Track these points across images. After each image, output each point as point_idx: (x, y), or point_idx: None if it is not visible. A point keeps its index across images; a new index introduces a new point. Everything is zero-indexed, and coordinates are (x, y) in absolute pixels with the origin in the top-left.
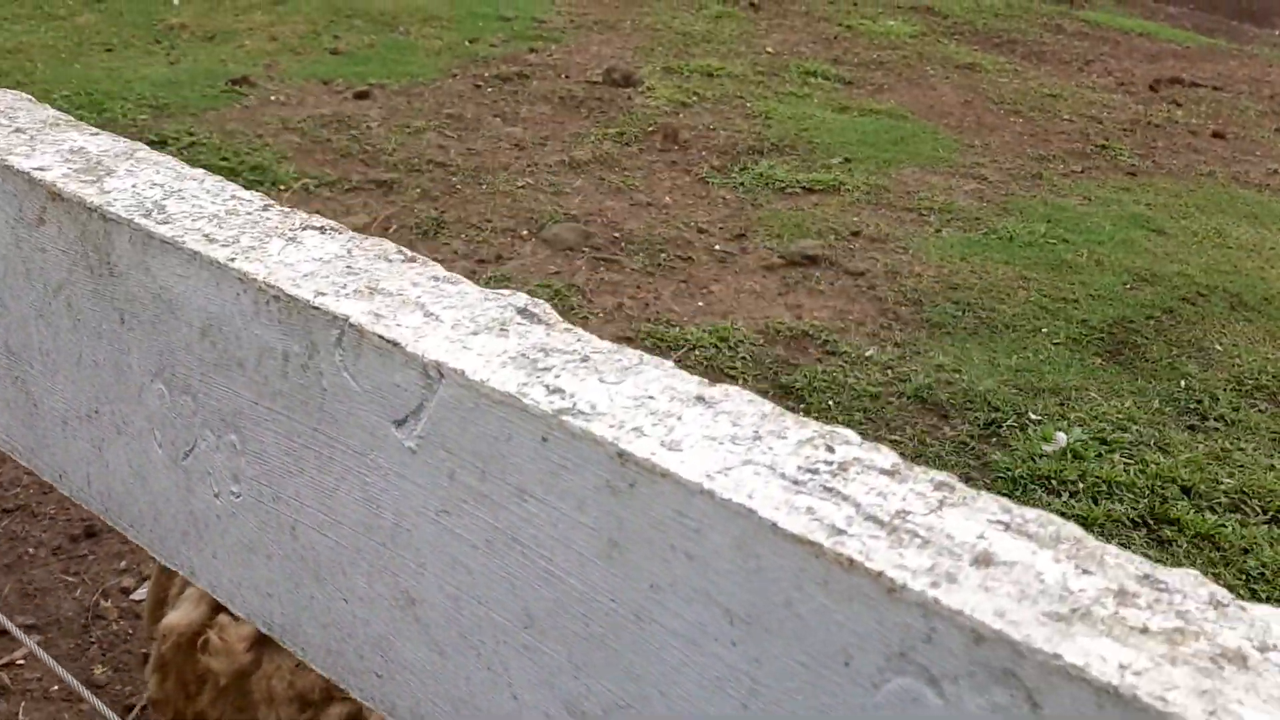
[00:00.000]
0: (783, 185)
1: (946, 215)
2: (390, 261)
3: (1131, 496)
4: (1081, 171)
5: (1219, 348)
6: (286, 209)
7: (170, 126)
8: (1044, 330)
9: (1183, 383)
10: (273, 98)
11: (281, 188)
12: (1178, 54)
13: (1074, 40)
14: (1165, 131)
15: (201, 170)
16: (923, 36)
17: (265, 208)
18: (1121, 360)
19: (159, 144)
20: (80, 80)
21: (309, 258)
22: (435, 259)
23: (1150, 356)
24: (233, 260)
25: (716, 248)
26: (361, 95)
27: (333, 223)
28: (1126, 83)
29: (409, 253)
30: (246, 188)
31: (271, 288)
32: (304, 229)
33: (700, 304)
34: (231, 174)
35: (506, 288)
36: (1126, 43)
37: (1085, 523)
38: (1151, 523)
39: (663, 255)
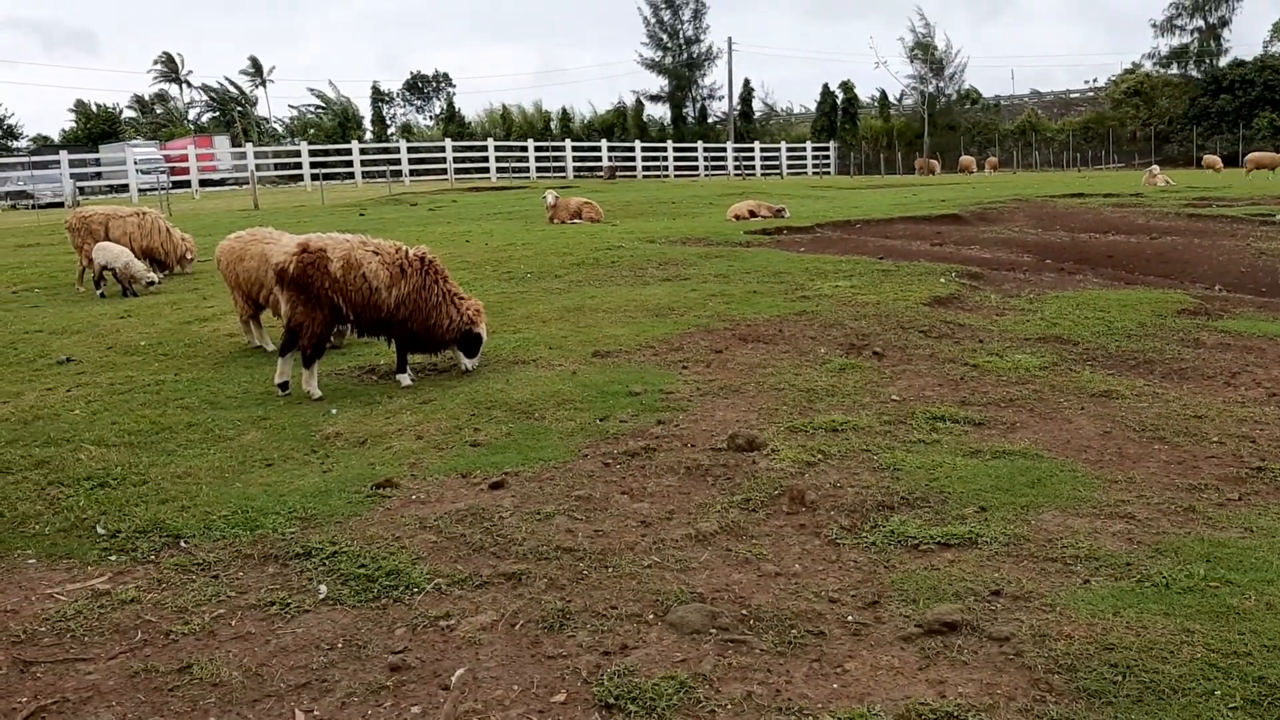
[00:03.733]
0: (915, 542)
1: (1094, 563)
2: None
3: None
4: (1239, 499)
5: None
6: None
7: (315, 537)
8: (1217, 693)
9: None
10: (414, 497)
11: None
12: None
13: (1215, 353)
14: None
15: None
16: (1054, 367)
17: None
18: None
19: (304, 555)
20: (239, 498)
21: None
22: (559, 654)
23: None
24: None
25: (850, 619)
26: (496, 485)
27: None
28: (1277, 393)
29: None
30: (381, 593)
31: None
32: None
33: (835, 686)
34: (368, 580)
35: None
36: (1274, 349)
37: None
38: None
39: (793, 632)
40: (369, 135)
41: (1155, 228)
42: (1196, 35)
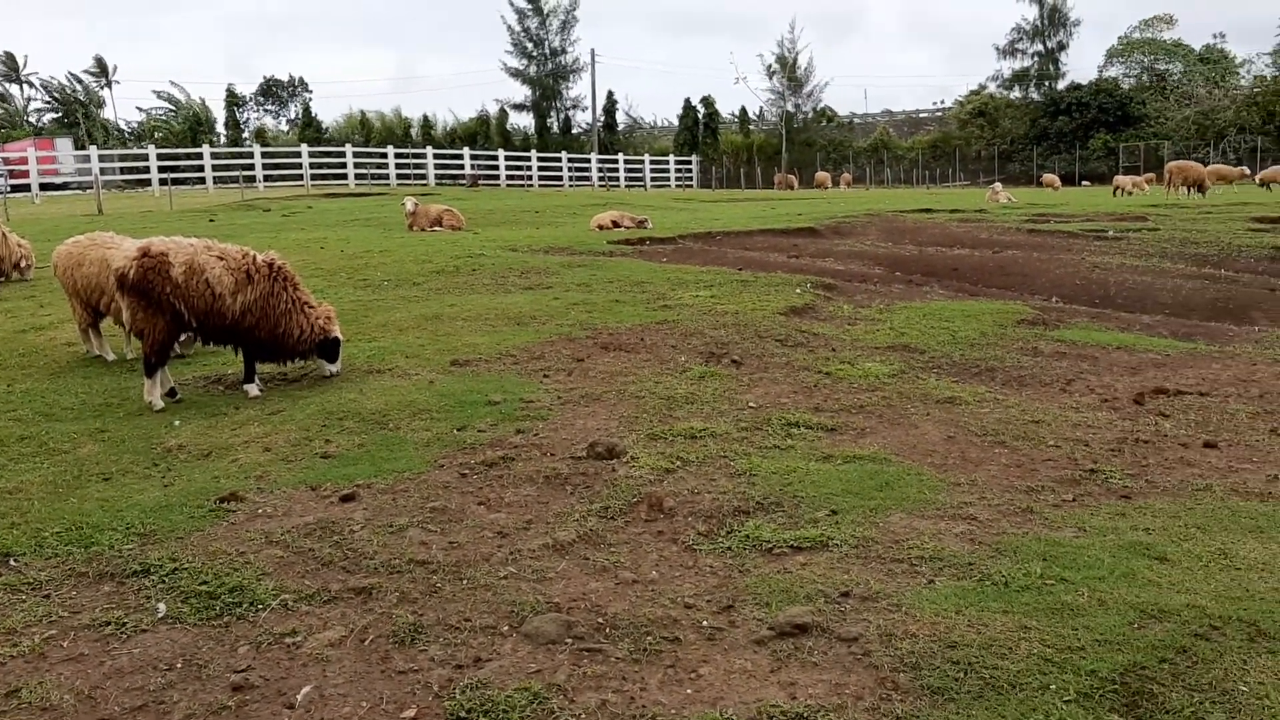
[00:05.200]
0: (769, 546)
1: (938, 563)
2: None
3: None
4: (1073, 500)
5: (1244, 689)
6: None
7: (154, 554)
8: (1052, 686)
9: None
10: (260, 511)
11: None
12: (1158, 363)
13: (1053, 361)
14: (1155, 447)
15: None
16: (902, 375)
17: None
18: (1140, 714)
19: (142, 573)
20: (73, 514)
21: None
22: (411, 669)
23: (1170, 707)
24: None
25: (705, 624)
26: (347, 498)
27: None
28: (1110, 399)
29: None
30: (224, 611)
31: None
32: None
33: (689, 691)
34: (210, 597)
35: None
36: (1106, 358)
37: None
38: None
39: (649, 639)
40: (223, 139)
41: (998, 242)
42: (1037, 59)
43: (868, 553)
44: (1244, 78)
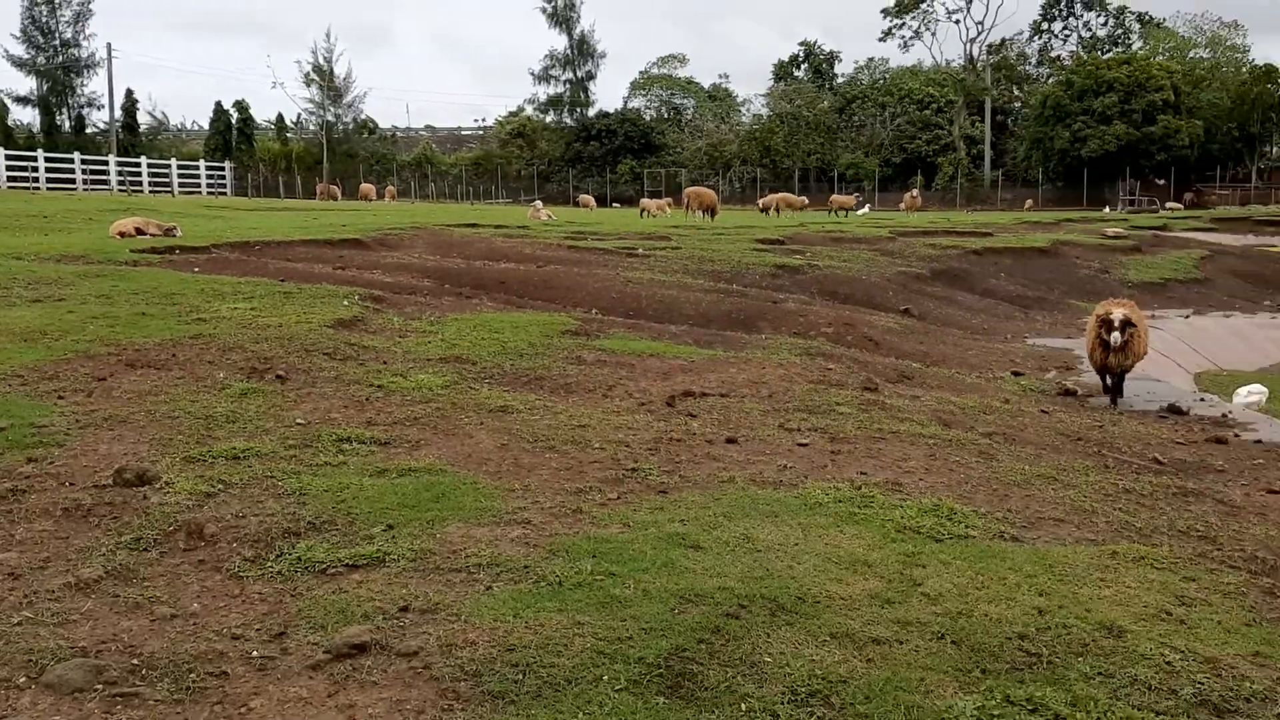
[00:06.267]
0: (323, 567)
1: (495, 569)
2: None
3: None
4: (618, 498)
5: (769, 659)
6: None
7: None
8: (605, 678)
9: (744, 705)
10: None
11: None
12: (686, 369)
13: (595, 369)
14: (686, 445)
15: None
16: (455, 385)
17: None
18: (683, 694)
19: None
20: None
21: None
22: None
23: (709, 684)
24: None
25: (255, 654)
26: None
27: None
28: (646, 402)
29: None
30: None
31: None
32: None
33: None
34: None
35: None
36: (641, 365)
37: None
38: None
39: (192, 676)
40: None
41: (541, 257)
42: (569, 86)
43: (426, 565)
44: (745, 115)
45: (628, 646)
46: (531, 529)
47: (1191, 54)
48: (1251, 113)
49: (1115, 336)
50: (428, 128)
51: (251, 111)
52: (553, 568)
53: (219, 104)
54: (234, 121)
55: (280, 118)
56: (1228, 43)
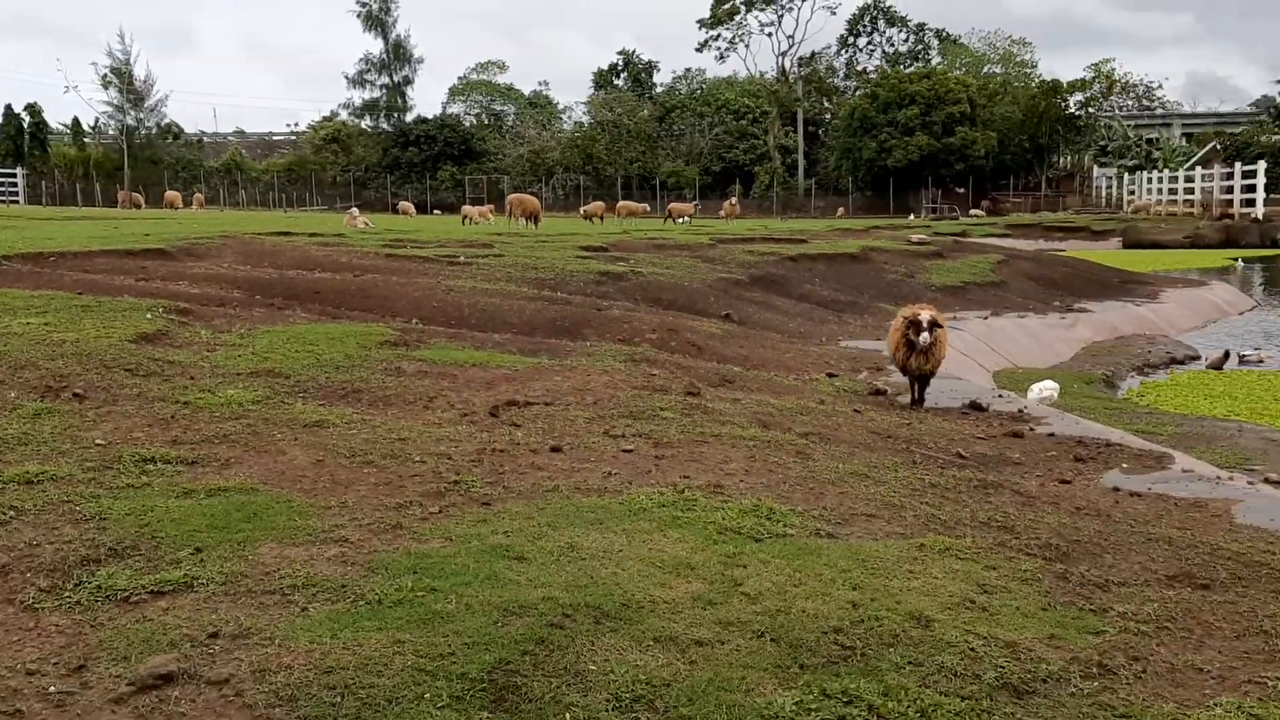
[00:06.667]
0: (126, 594)
1: (311, 590)
2: None
3: None
4: (439, 512)
5: (593, 667)
6: None
7: None
8: (427, 695)
9: (568, 715)
10: None
11: None
12: (510, 378)
13: (415, 380)
14: (510, 455)
15: None
16: (267, 400)
17: None
18: (507, 707)
19: None
20: None
21: None
22: None
23: (533, 695)
24: None
25: (52, 690)
26: None
27: None
28: (469, 413)
29: None
30: None
31: None
32: None
33: None
34: None
35: None
36: (464, 375)
37: None
38: None
39: None
40: None
41: (358, 265)
42: (385, 91)
43: (237, 588)
44: (566, 122)
45: (450, 662)
46: (349, 547)
47: (986, 69)
48: (1040, 125)
49: (925, 337)
50: (238, 132)
51: (45, 115)
52: (371, 586)
53: (9, 107)
54: (25, 126)
55: (76, 122)
56: (1018, 58)
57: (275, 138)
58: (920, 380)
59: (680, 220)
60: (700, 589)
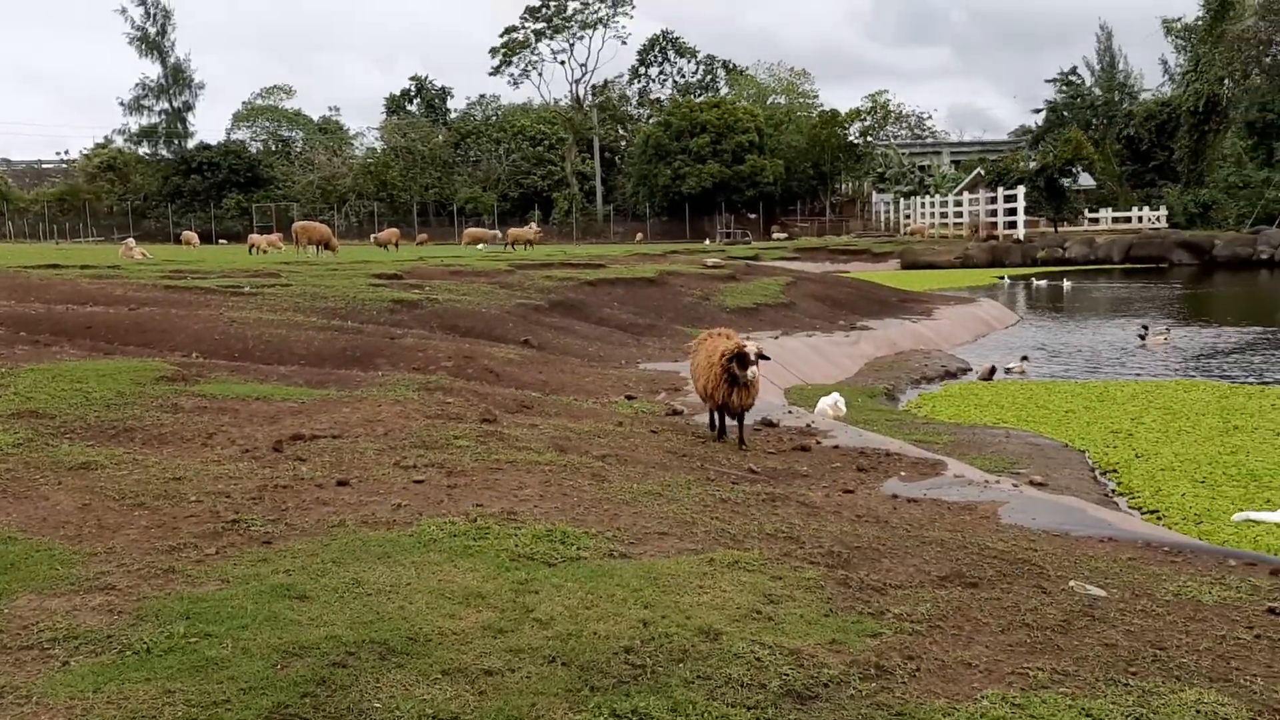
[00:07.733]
0: None
1: (73, 642)
2: None
3: None
4: (216, 553)
5: (378, 705)
6: None
7: None
8: None
9: None
10: None
11: None
12: (296, 411)
13: (194, 416)
14: (294, 491)
15: None
16: (29, 443)
17: None
18: None
19: None
20: None
21: None
22: None
23: None
24: None
25: None
26: None
27: None
28: (251, 449)
29: None
30: None
31: None
32: None
33: None
34: None
35: None
36: (246, 409)
37: None
38: None
39: None
40: None
41: (134, 299)
42: (165, 117)
43: None
44: (359, 148)
45: (224, 710)
46: (116, 594)
47: (771, 99)
48: (823, 153)
49: (753, 371)
50: (2, 161)
51: None
52: (140, 634)
53: None
54: None
55: None
56: (800, 89)
57: (45, 166)
58: (740, 416)
59: (523, 246)
60: (491, 618)
